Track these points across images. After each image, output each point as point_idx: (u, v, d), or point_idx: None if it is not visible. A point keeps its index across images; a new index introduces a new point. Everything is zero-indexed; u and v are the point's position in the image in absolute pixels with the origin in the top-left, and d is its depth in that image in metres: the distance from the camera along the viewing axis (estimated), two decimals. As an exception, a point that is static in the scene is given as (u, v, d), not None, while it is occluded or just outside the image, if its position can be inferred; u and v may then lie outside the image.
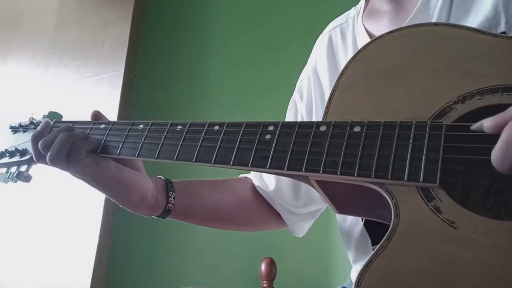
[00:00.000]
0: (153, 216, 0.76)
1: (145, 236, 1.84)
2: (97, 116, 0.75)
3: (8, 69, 2.30)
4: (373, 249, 0.73)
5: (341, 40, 0.83)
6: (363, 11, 0.82)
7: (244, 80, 1.85)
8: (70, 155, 0.65)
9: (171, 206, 0.75)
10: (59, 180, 1.75)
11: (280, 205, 0.86)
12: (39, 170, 0.76)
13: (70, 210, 1.82)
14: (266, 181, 0.86)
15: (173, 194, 0.75)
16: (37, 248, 1.85)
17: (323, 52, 0.85)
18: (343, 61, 0.81)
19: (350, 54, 0.78)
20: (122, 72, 1.92)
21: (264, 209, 0.87)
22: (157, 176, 0.77)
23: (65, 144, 0.65)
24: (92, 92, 1.97)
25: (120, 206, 0.72)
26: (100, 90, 1.95)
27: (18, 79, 2.23)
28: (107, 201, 1.78)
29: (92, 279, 1.69)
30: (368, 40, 0.76)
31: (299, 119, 0.87)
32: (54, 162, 0.66)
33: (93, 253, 1.72)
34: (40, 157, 0.70)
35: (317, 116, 0.84)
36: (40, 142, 0.67)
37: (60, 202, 1.86)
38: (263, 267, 1.34)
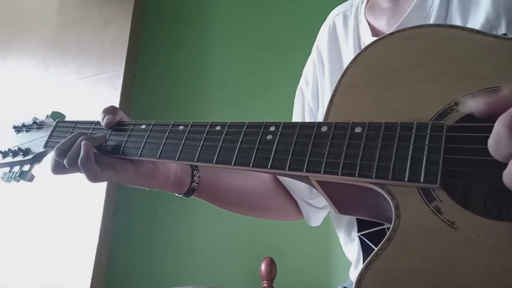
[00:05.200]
0: (177, 194, 0.78)
1: (144, 236, 1.84)
2: (113, 111, 0.73)
3: (9, 69, 2.29)
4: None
5: (343, 26, 0.84)
6: (366, 4, 0.83)
7: (244, 80, 1.85)
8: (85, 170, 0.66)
9: (195, 186, 0.77)
10: (59, 180, 1.75)
11: (297, 195, 0.88)
12: (41, 171, 0.76)
13: (70, 210, 1.82)
14: None
15: (197, 173, 0.77)
16: (37, 248, 1.84)
17: (325, 37, 0.86)
18: (344, 47, 0.82)
19: (351, 41, 0.80)
20: (122, 72, 1.92)
21: (284, 195, 0.89)
22: None
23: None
24: (92, 92, 1.97)
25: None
26: (100, 90, 1.95)
27: (18, 79, 2.23)
28: (107, 201, 1.78)
29: (92, 279, 1.69)
30: (368, 30, 0.77)
31: (306, 107, 0.89)
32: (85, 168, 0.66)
33: (93, 253, 1.72)
34: (59, 169, 0.70)
35: (323, 99, 0.85)
36: (67, 156, 0.67)
37: (60, 202, 1.85)
38: (263, 267, 1.34)
